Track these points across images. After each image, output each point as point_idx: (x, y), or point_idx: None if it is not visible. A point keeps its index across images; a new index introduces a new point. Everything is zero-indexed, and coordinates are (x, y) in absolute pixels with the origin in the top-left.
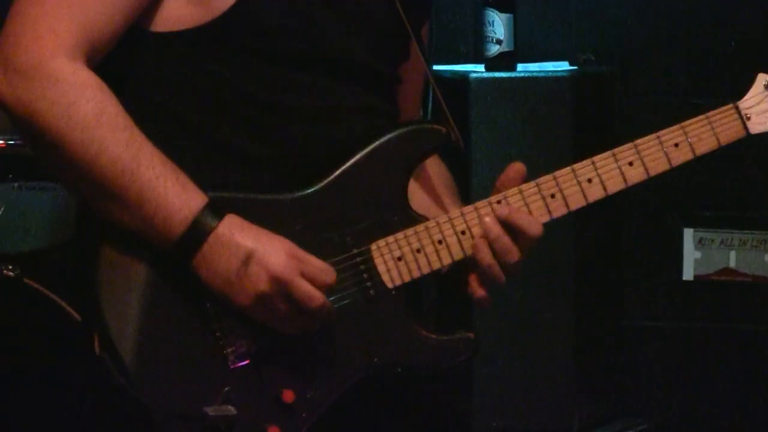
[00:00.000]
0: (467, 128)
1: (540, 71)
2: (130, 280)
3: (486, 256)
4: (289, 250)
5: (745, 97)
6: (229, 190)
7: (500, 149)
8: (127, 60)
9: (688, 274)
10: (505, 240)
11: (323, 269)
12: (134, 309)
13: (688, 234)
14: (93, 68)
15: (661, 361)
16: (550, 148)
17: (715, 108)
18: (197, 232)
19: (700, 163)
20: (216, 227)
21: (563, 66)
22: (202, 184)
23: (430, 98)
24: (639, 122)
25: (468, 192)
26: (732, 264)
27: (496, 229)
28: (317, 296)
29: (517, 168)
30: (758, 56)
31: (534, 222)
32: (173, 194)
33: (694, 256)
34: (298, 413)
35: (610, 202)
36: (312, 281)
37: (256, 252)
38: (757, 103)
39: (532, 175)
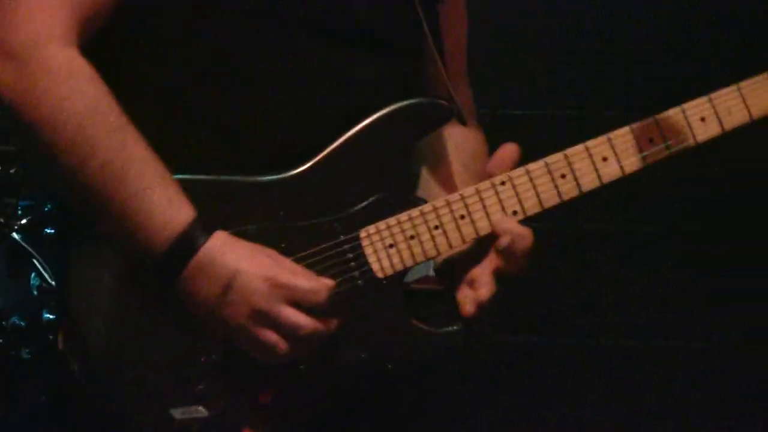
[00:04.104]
0: None
1: None
2: (101, 275)
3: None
4: (271, 276)
5: None
6: (213, 171)
7: None
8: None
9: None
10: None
11: (311, 290)
12: (104, 305)
13: None
14: (84, 48)
15: None
16: None
17: None
18: (178, 258)
19: None
20: (196, 252)
21: None
22: (186, 162)
23: None
24: None
25: None
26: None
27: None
28: (304, 324)
29: (510, 149)
30: None
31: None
32: (158, 211)
33: None
34: (275, 416)
35: None
36: (299, 305)
37: (236, 280)
38: None
39: None
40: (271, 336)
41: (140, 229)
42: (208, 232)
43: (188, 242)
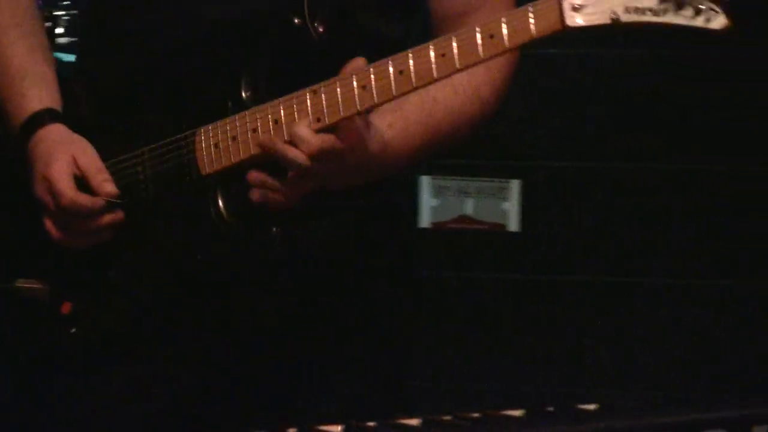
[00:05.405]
0: None
1: None
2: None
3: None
4: (44, 169)
5: None
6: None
7: None
8: None
9: (424, 221)
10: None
11: (59, 193)
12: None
13: (425, 181)
14: None
15: None
16: None
17: None
18: (23, 140)
19: None
20: (30, 138)
21: None
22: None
23: None
24: None
25: None
26: (469, 211)
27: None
28: (55, 214)
29: (357, 63)
30: None
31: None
32: (16, 102)
33: (430, 204)
34: (104, 298)
35: None
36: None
37: (34, 166)
38: None
39: None
40: (46, 220)
41: (7, 113)
42: (50, 122)
43: (30, 127)
